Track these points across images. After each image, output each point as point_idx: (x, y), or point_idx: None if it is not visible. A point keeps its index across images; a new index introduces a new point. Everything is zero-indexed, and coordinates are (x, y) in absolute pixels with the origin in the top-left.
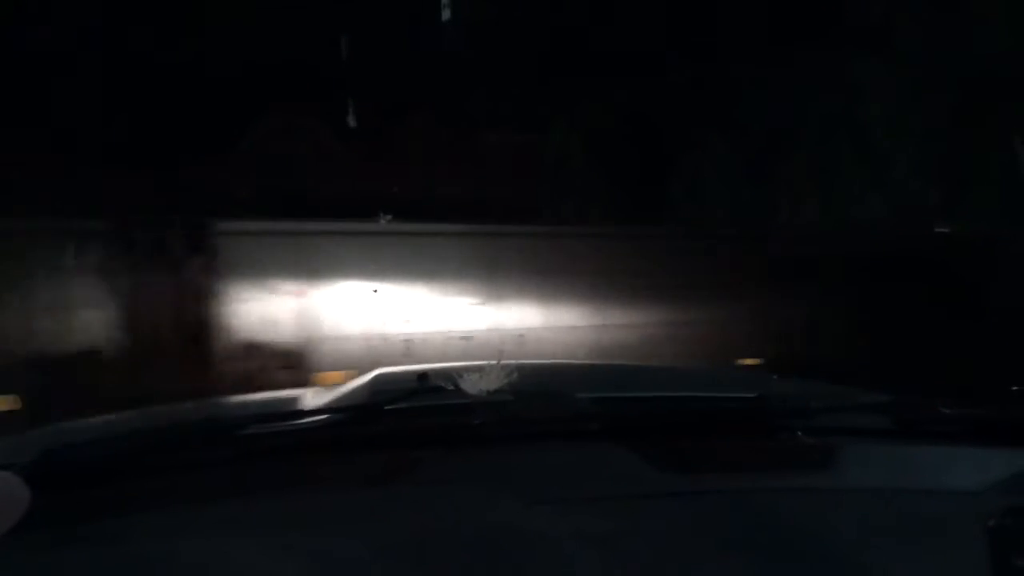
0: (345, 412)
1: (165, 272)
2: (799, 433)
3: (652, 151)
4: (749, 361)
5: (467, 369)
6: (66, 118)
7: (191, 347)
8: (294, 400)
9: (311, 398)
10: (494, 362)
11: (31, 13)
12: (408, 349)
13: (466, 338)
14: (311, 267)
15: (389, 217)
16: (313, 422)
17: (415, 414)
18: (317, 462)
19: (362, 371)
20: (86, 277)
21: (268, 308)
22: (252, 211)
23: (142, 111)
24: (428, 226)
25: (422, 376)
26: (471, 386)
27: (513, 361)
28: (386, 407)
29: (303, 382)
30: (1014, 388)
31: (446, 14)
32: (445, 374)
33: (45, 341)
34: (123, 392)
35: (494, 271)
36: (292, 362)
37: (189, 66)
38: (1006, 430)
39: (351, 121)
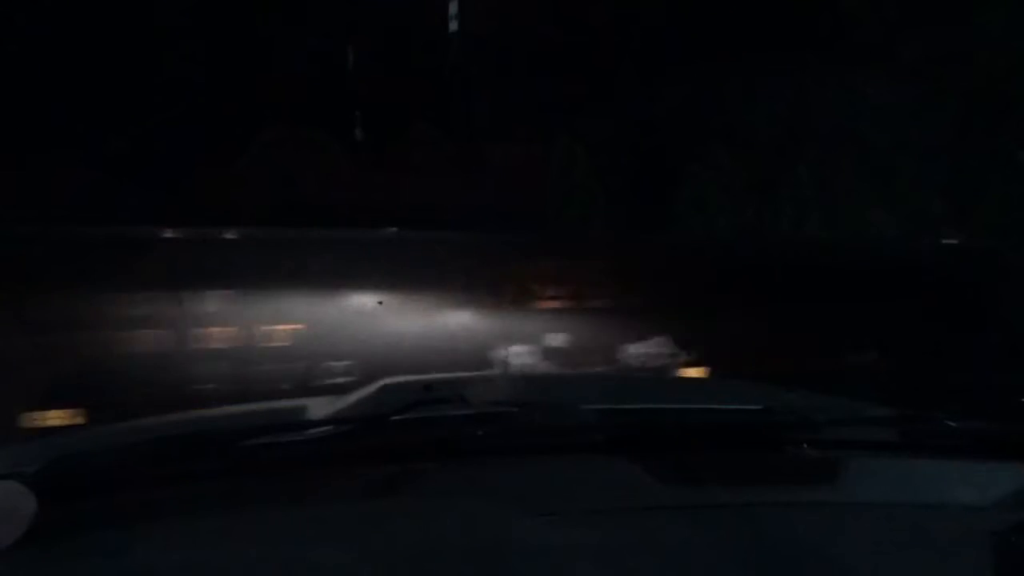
0: (350, 422)
1: None
2: (805, 446)
3: (655, 163)
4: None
5: (472, 379)
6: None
7: None
8: (300, 410)
9: (317, 408)
10: (499, 373)
11: (31, 19)
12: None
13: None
14: None
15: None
16: (317, 432)
17: (420, 425)
18: (321, 473)
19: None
20: None
21: None
22: (255, 221)
23: (138, 119)
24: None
25: (427, 386)
26: (476, 397)
27: (518, 372)
28: (391, 417)
29: None
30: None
31: (453, 26)
32: (451, 384)
33: None
34: None
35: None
36: None
37: (197, 76)
38: (1012, 444)
39: (357, 133)
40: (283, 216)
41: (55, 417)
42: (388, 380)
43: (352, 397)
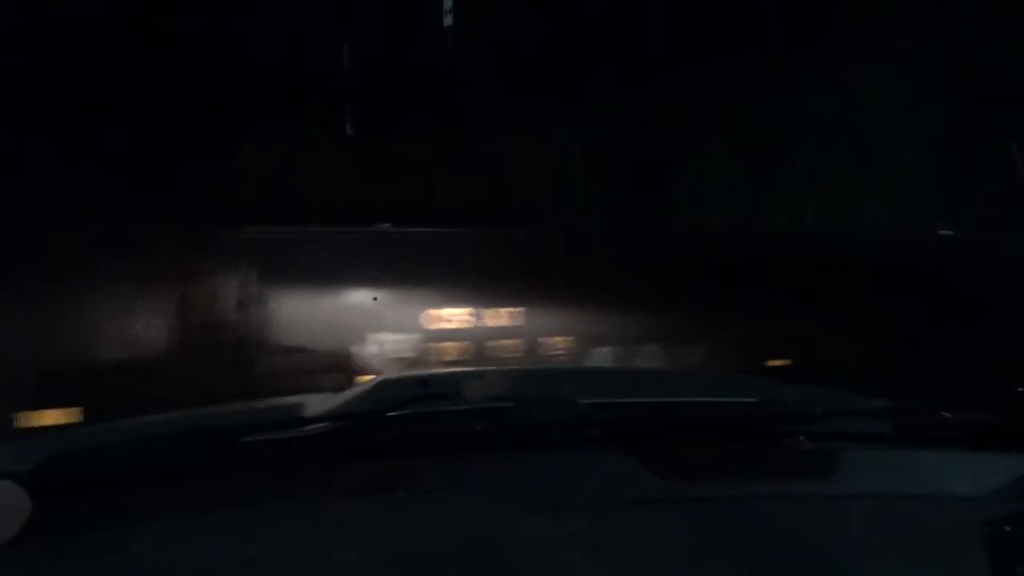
0: (347, 419)
1: None
2: (801, 438)
3: (652, 157)
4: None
5: (469, 375)
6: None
7: None
8: (297, 407)
9: (314, 405)
10: (495, 368)
11: (31, 17)
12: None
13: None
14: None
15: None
16: (315, 429)
17: (417, 421)
18: (318, 470)
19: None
20: None
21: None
22: (252, 217)
23: (140, 116)
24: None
25: (424, 382)
26: (473, 392)
27: (514, 367)
28: (388, 414)
29: None
30: (1021, 389)
31: (448, 20)
32: (447, 380)
33: None
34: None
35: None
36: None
37: (189, 72)
38: (1007, 435)
39: (350, 128)
40: (280, 214)
41: (51, 416)
42: (385, 376)
43: (349, 393)
